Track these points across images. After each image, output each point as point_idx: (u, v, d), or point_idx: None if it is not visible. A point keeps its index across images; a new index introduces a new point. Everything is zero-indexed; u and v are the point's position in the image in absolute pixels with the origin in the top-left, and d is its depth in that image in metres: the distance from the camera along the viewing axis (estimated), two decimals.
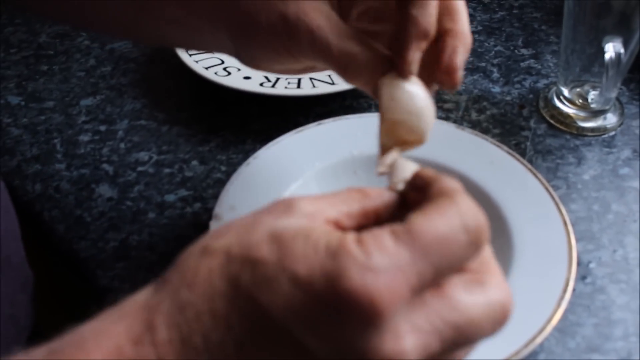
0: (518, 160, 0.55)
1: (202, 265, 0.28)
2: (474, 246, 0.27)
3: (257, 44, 0.41)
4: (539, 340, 0.44)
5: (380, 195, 0.31)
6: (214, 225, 0.50)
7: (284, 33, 0.39)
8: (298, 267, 0.26)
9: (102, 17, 0.47)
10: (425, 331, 0.26)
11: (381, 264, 0.25)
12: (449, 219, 0.27)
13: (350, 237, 0.27)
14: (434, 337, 0.27)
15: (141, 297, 0.29)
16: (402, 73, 0.38)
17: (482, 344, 0.44)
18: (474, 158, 0.56)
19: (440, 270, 0.27)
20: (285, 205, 0.29)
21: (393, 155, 0.36)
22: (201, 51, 0.63)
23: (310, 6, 0.39)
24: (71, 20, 0.54)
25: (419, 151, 0.56)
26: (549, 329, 0.44)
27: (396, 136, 0.38)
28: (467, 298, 0.27)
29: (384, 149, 0.37)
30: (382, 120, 0.37)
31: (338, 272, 0.25)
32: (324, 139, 0.57)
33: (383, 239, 0.26)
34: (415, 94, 0.37)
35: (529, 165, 0.55)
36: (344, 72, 0.39)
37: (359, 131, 0.58)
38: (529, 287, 0.47)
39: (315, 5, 0.39)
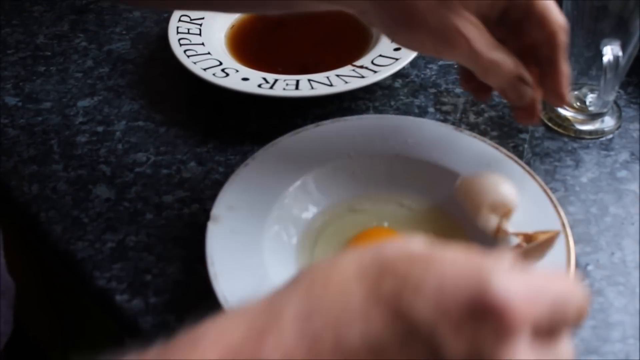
0: (516, 162, 0.55)
1: (333, 274, 0.29)
2: (578, 318, 0.30)
3: (407, 31, 0.47)
4: None
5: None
6: (211, 226, 0.50)
7: (442, 38, 0.46)
8: (445, 273, 0.28)
9: None
10: None
11: (521, 284, 0.28)
12: (569, 285, 0.30)
13: (489, 258, 0.29)
14: None
15: (262, 301, 0.29)
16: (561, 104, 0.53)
17: None
18: (472, 160, 0.56)
19: (553, 320, 0.29)
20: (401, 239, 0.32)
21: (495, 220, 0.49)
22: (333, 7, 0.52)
23: (468, 19, 0.46)
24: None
25: (417, 153, 0.56)
26: None
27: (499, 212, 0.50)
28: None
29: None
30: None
31: (486, 278, 0.28)
32: (322, 140, 0.57)
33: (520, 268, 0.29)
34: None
35: (527, 167, 0.54)
36: (485, 74, 0.48)
37: (357, 133, 0.58)
38: None
39: (472, 19, 0.46)
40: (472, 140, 0.57)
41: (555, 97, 0.50)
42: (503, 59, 0.47)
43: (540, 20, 0.48)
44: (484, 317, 0.27)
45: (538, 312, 0.28)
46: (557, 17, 0.48)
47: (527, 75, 0.49)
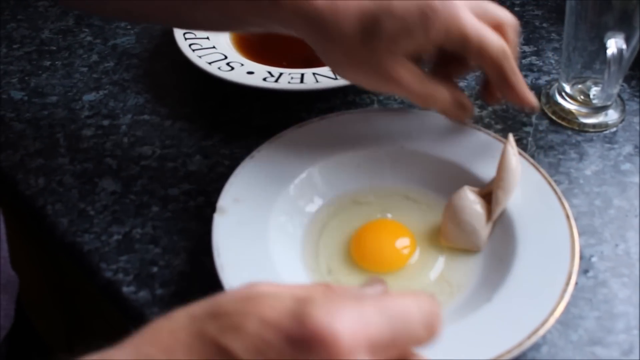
0: (520, 154, 0.55)
1: (164, 325, 0.30)
2: (428, 332, 0.31)
3: (346, 70, 0.52)
4: (541, 332, 0.44)
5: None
6: (217, 217, 0.51)
7: (376, 78, 0.50)
8: (265, 311, 0.29)
9: (190, 16, 0.54)
10: None
11: (347, 311, 0.29)
12: (414, 301, 0.31)
13: (320, 287, 0.30)
14: None
15: (100, 355, 0.30)
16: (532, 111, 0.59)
17: (485, 335, 0.44)
18: (476, 152, 0.56)
19: (397, 339, 0.30)
20: (249, 284, 0.32)
21: None
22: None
23: (397, 61, 0.49)
24: (151, 19, 0.61)
25: (422, 146, 0.56)
26: (552, 321, 0.44)
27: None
28: None
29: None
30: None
31: (306, 311, 0.28)
32: (327, 133, 0.58)
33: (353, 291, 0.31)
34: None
35: (532, 160, 0.55)
36: (424, 105, 0.53)
37: (362, 126, 0.58)
38: (532, 280, 0.47)
39: (400, 60, 0.49)
40: (476, 132, 0.57)
41: (521, 105, 0.54)
42: (436, 90, 0.51)
43: (479, 53, 0.50)
44: (309, 346, 0.28)
45: (370, 335, 0.29)
46: (495, 44, 0.49)
47: (464, 99, 0.53)
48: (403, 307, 0.30)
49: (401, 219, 0.54)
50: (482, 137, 0.57)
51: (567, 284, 0.46)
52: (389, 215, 0.55)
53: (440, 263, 0.51)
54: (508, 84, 0.52)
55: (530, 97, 0.53)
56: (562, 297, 0.46)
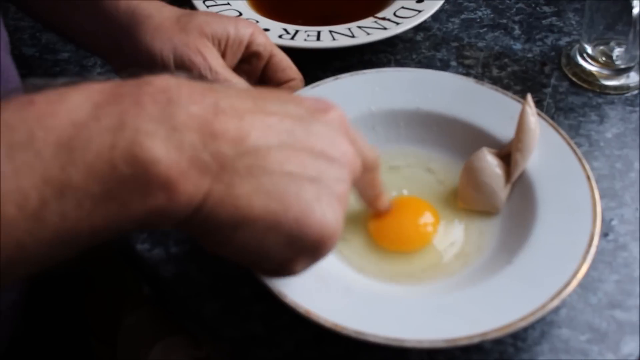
0: (539, 115, 0.53)
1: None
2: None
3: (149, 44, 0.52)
4: (564, 294, 0.43)
5: None
6: None
7: (183, 53, 0.52)
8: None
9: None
10: None
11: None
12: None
13: None
14: None
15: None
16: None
17: (507, 298, 0.43)
18: (495, 113, 0.55)
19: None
20: None
21: None
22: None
23: (206, 45, 0.53)
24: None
25: (439, 107, 0.55)
26: (574, 283, 0.43)
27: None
28: None
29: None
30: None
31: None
32: (341, 93, 0.56)
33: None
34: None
35: (551, 121, 0.53)
36: None
37: (377, 86, 0.57)
38: (554, 242, 0.46)
39: (210, 45, 0.53)
40: (494, 93, 0.56)
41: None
42: (240, 81, 0.53)
43: (285, 69, 0.56)
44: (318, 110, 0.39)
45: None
46: (296, 69, 0.56)
47: None
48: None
49: (415, 190, 0.53)
50: (500, 98, 0.56)
51: (590, 245, 0.45)
52: (405, 192, 0.53)
53: (458, 228, 0.51)
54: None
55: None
56: (584, 259, 0.45)
